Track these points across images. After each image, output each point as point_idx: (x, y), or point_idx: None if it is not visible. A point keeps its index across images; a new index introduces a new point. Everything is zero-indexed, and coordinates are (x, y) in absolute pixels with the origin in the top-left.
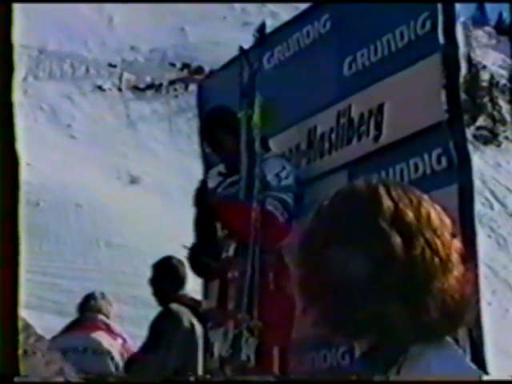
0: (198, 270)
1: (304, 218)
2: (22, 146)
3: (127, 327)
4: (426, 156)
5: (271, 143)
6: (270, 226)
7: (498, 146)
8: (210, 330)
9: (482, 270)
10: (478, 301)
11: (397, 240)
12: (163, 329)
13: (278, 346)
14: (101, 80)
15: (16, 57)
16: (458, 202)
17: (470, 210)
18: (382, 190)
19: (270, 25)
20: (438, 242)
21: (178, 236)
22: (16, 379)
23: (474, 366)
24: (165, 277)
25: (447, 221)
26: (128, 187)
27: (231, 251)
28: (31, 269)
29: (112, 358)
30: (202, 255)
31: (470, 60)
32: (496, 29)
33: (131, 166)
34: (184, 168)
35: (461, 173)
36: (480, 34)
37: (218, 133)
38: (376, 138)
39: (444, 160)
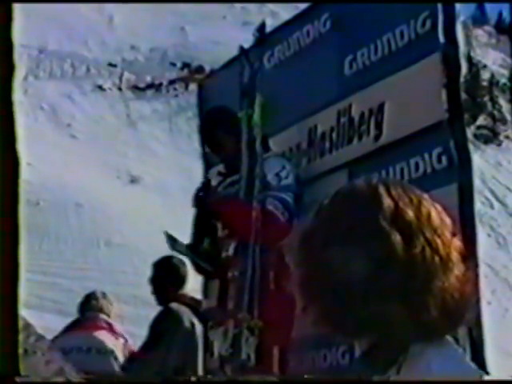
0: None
1: (304, 218)
2: (22, 146)
3: (127, 327)
4: (426, 155)
5: (272, 142)
6: (270, 226)
7: (499, 145)
8: (210, 330)
9: (482, 269)
10: (478, 300)
11: (397, 239)
12: (163, 328)
13: (278, 346)
14: (101, 80)
15: (16, 56)
16: (458, 201)
17: (470, 209)
18: (382, 189)
19: (270, 24)
20: (439, 241)
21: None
22: (17, 379)
23: (473, 366)
24: (165, 276)
25: (447, 220)
26: (128, 187)
27: (231, 250)
28: (31, 268)
29: (116, 358)
30: (194, 255)
31: (470, 59)
32: (496, 28)
33: (131, 165)
34: (184, 167)
35: (461, 172)
36: (480, 33)
37: (218, 133)
38: (376, 138)
39: (444, 159)
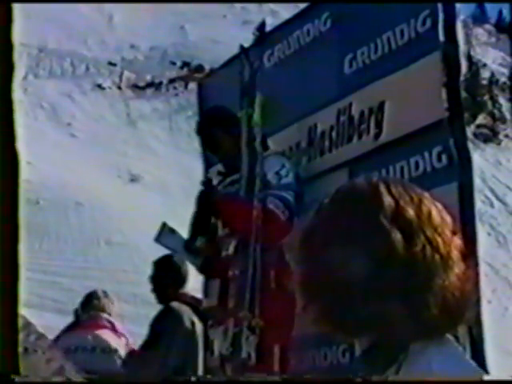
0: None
1: (304, 216)
2: (22, 145)
3: (127, 325)
4: (426, 154)
5: (272, 141)
6: (271, 225)
7: (498, 144)
8: (210, 329)
9: (482, 268)
10: (478, 299)
11: (397, 237)
12: (164, 327)
13: (279, 344)
14: (101, 78)
15: (16, 55)
16: (459, 200)
17: (471, 208)
18: (382, 188)
19: (270, 23)
20: (439, 240)
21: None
22: (16, 379)
23: (474, 364)
24: (166, 274)
25: (448, 218)
26: (128, 185)
27: (231, 249)
28: (31, 267)
29: (120, 357)
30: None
31: (470, 58)
32: (496, 27)
33: (131, 164)
34: (184, 166)
35: (461, 171)
36: (480, 32)
37: (216, 133)
38: (376, 136)
39: (444, 158)
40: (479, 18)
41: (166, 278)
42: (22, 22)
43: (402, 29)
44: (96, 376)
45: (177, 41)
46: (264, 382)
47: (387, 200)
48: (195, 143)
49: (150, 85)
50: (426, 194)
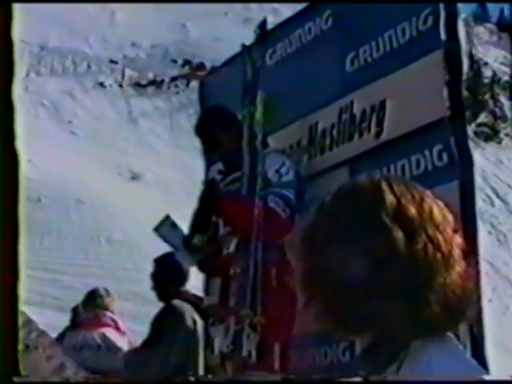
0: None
1: (306, 214)
2: (23, 142)
3: (128, 323)
4: (426, 152)
5: (273, 139)
6: (272, 223)
7: (499, 143)
8: (211, 326)
9: (483, 266)
10: (478, 297)
11: (399, 235)
12: (165, 325)
13: (280, 343)
14: (103, 76)
15: (17, 53)
16: (460, 199)
17: (472, 207)
18: (384, 186)
19: (272, 21)
20: (440, 238)
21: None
22: (16, 379)
23: (474, 362)
24: (167, 272)
25: (449, 216)
26: (129, 183)
27: (232, 247)
28: (32, 265)
29: (124, 355)
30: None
31: (471, 56)
32: (497, 25)
33: (132, 162)
34: (185, 164)
35: (462, 169)
36: (481, 31)
37: (214, 132)
38: (377, 135)
39: (445, 156)
40: (480, 17)
41: (167, 275)
42: (23, 20)
43: (403, 27)
44: (101, 374)
45: (178, 39)
46: (264, 382)
47: (389, 198)
48: (196, 141)
49: (151, 83)
50: (428, 193)
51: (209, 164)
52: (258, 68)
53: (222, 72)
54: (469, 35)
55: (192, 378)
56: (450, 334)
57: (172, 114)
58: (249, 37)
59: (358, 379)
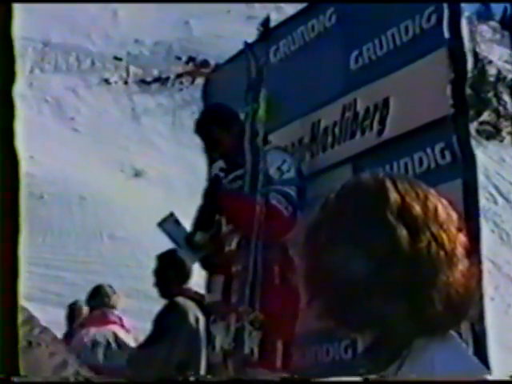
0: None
1: (307, 212)
2: (25, 139)
3: (130, 320)
4: (429, 150)
5: (275, 137)
6: (274, 221)
7: (501, 141)
8: (213, 324)
9: (485, 264)
10: (481, 296)
11: (403, 233)
12: (169, 323)
13: (283, 340)
14: (107, 73)
15: (21, 50)
16: (463, 197)
17: (475, 205)
18: (388, 184)
19: (275, 19)
20: (444, 236)
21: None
22: (15, 379)
23: (476, 360)
24: (170, 268)
25: (454, 215)
26: (131, 180)
27: (234, 245)
28: (34, 261)
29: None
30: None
31: (476, 55)
32: (501, 23)
33: (135, 159)
34: (187, 161)
35: (465, 168)
36: (484, 29)
37: (214, 130)
38: (380, 132)
39: (448, 154)
40: (484, 15)
41: (169, 272)
42: (25, 17)
43: (406, 25)
44: (103, 374)
45: (181, 36)
46: (264, 382)
47: (393, 196)
48: (198, 139)
49: (156, 80)
50: (432, 191)
51: (211, 162)
52: (261, 66)
53: (226, 69)
54: (472, 33)
55: (193, 378)
56: (452, 333)
57: (175, 111)
58: (252, 34)
59: (359, 379)
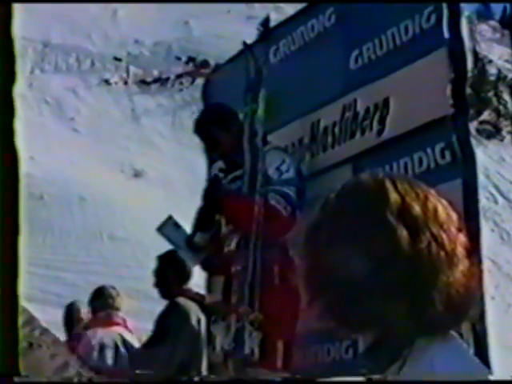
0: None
1: (307, 212)
2: (25, 139)
3: (130, 321)
4: (429, 150)
5: (275, 137)
6: (273, 221)
7: (501, 140)
8: (213, 324)
9: (486, 264)
10: (481, 295)
11: (403, 233)
12: (170, 323)
13: (283, 340)
14: (108, 74)
15: (21, 50)
16: (463, 196)
17: (475, 205)
18: (388, 184)
19: (275, 19)
20: (444, 236)
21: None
22: (16, 379)
23: (477, 360)
24: (170, 269)
25: (454, 215)
26: (132, 181)
27: (233, 245)
28: (35, 262)
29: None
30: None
31: (476, 54)
32: (500, 23)
33: (135, 159)
34: (187, 161)
35: (465, 167)
36: (484, 28)
37: (213, 130)
38: (379, 132)
39: (447, 154)
40: (483, 14)
41: (170, 272)
42: (25, 17)
43: (406, 25)
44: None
45: (181, 36)
46: (264, 382)
47: (393, 196)
48: (198, 139)
49: (156, 80)
50: (432, 191)
51: (210, 162)
52: (260, 66)
53: (226, 70)
54: (472, 33)
55: (196, 378)
56: (452, 333)
57: (175, 112)
58: (251, 34)
59: (360, 379)
